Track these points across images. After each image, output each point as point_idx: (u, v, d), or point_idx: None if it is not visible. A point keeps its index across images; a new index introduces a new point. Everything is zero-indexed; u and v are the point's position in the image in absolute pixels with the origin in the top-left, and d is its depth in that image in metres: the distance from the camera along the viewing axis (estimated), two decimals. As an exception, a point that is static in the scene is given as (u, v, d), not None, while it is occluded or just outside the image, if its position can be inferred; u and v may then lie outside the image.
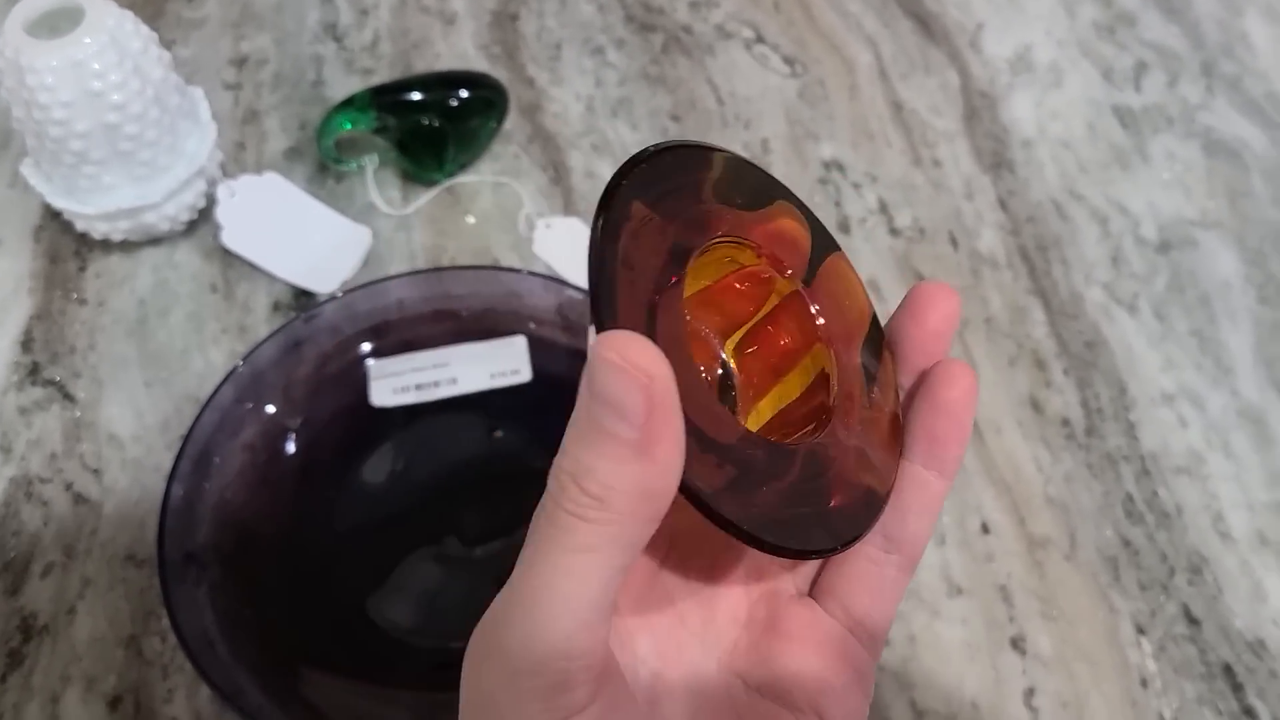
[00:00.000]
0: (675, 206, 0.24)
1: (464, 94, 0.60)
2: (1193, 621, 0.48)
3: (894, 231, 0.59)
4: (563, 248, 0.59)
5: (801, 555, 0.24)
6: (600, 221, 0.22)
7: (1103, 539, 0.50)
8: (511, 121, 0.64)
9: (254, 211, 0.58)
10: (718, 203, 0.25)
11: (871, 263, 0.58)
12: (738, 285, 0.28)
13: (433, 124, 0.59)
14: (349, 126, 0.59)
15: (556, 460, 0.20)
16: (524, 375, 0.54)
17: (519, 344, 0.54)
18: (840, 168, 0.62)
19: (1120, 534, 0.50)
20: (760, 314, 0.28)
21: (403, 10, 0.70)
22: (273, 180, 0.59)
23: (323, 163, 0.60)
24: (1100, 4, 0.70)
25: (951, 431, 0.26)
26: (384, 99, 0.59)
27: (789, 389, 0.28)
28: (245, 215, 0.58)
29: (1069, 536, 0.50)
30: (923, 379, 0.26)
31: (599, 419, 0.19)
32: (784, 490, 0.24)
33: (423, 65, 0.67)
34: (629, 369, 0.19)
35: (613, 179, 0.23)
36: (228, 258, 0.57)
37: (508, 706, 0.21)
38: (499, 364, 0.54)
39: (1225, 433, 0.53)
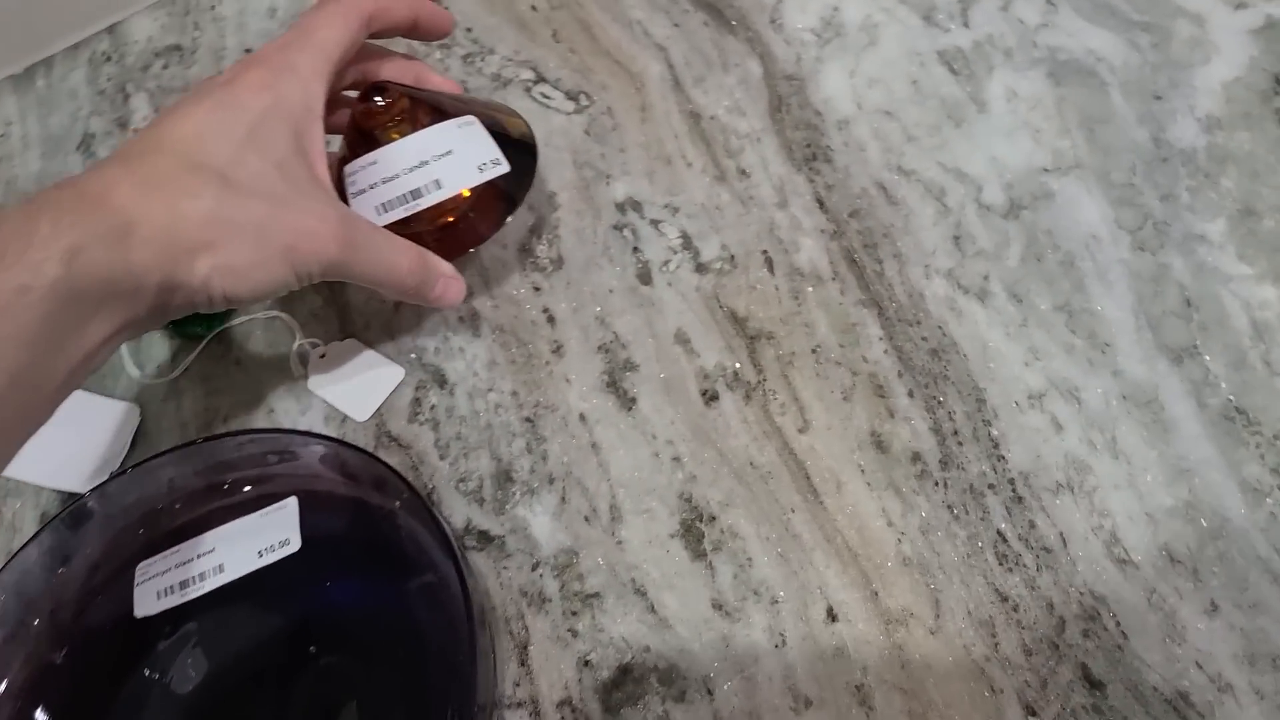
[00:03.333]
0: None
1: (200, 235, 0.54)
2: (1094, 685, 0.38)
3: (700, 268, 0.51)
4: (340, 376, 0.52)
5: None
6: None
7: (974, 598, 0.41)
8: (280, 243, 0.57)
9: (6, 420, 0.53)
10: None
11: (680, 314, 0.50)
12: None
13: (168, 279, 0.53)
14: (84, 303, 0.53)
15: None
16: (293, 544, 0.47)
17: (290, 508, 0.48)
18: (636, 206, 0.53)
19: (994, 587, 0.41)
20: None
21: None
22: (21, 381, 0.53)
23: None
24: (914, -66, 0.60)
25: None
26: (112, 265, 0.53)
27: None
28: (-4, 427, 0.52)
29: (932, 604, 0.41)
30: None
31: None
32: None
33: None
34: None
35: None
36: (-6, 475, 0.52)
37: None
38: (267, 538, 0.48)
39: (1110, 426, 0.43)
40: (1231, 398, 0.43)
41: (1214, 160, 0.49)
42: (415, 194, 0.45)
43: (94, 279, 0.34)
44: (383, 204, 0.46)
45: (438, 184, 0.45)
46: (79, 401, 0.54)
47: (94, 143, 0.63)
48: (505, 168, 0.46)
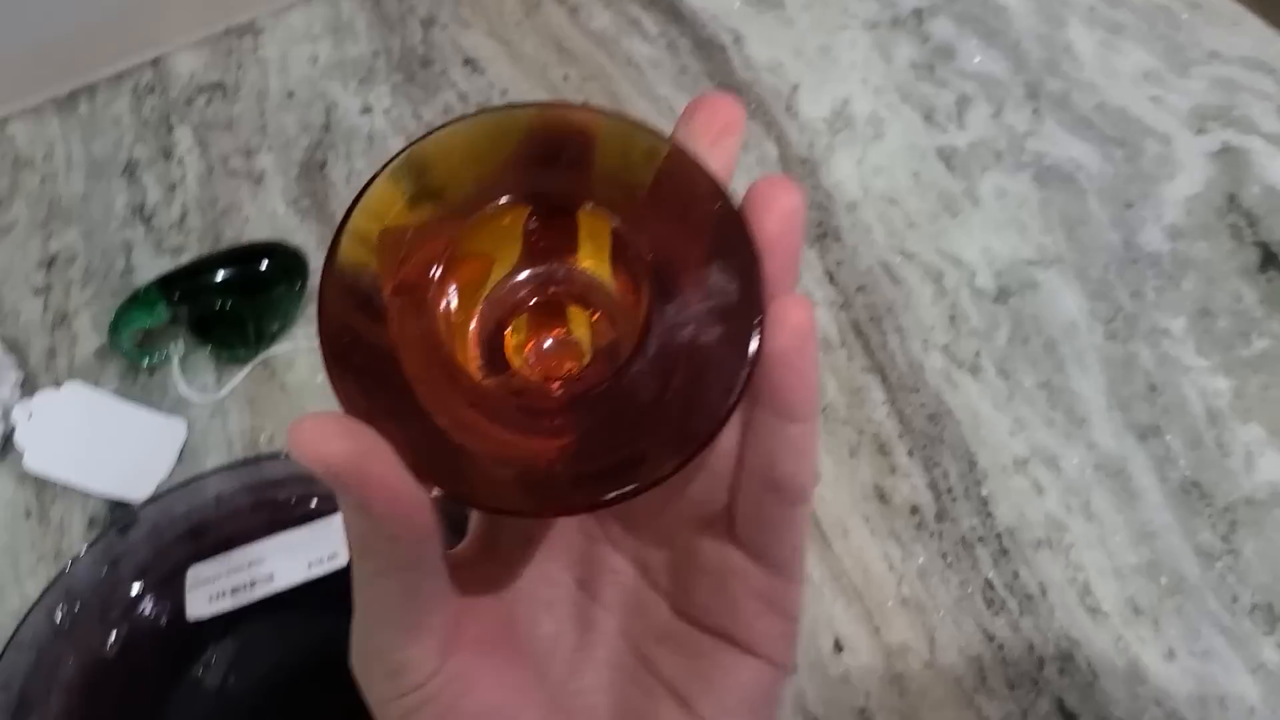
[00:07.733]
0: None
1: (256, 267, 0.58)
2: (1069, 717, 0.44)
3: (721, 328, 0.56)
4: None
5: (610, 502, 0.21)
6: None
7: (964, 637, 0.46)
8: (323, 278, 0.61)
9: (57, 427, 0.56)
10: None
11: (700, 366, 0.55)
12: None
13: (225, 305, 0.56)
14: (143, 324, 0.56)
15: None
16: (341, 559, 0.51)
17: (336, 524, 0.52)
18: (662, 267, 0.59)
19: (983, 628, 0.46)
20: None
21: (210, 178, 0.68)
22: (74, 390, 0.57)
23: (129, 360, 0.58)
24: (916, 41, 0.67)
25: (787, 379, 0.22)
26: (171, 289, 0.57)
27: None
28: (48, 433, 0.55)
29: (928, 640, 0.46)
30: None
31: None
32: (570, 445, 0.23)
33: (231, 233, 0.65)
34: (308, 459, 0.19)
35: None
36: (42, 480, 0.55)
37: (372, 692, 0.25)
38: (316, 550, 0.51)
39: (1084, 492, 0.49)
40: (1188, 473, 0.49)
41: (1176, 265, 0.56)
42: None
43: None
44: None
45: None
46: (130, 417, 0.57)
47: (139, 169, 0.67)
48: None
